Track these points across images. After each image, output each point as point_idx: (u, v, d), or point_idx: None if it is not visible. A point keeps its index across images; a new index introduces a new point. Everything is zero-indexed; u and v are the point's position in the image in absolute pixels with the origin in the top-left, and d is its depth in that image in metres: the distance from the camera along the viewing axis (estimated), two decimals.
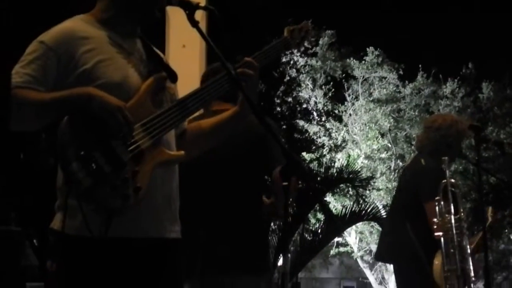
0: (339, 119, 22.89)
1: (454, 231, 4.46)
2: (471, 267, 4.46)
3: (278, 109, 22.37)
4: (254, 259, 3.65)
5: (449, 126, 4.95)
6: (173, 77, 2.73)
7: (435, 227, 4.49)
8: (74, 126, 2.39)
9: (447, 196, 4.54)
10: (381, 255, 5.26)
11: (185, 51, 7.19)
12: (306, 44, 3.22)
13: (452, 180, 4.61)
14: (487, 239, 4.44)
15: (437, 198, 4.56)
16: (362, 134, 22.31)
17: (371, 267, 22.69)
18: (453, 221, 4.48)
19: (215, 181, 3.67)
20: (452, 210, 4.53)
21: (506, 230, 22.38)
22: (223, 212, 3.64)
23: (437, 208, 4.54)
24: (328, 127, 22.62)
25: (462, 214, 4.54)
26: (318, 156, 21.57)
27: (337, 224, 9.44)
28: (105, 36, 2.61)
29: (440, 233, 4.48)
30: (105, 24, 2.65)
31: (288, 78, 22.72)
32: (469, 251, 4.48)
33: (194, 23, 2.54)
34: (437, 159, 4.75)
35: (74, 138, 2.37)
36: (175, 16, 6.76)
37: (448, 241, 4.46)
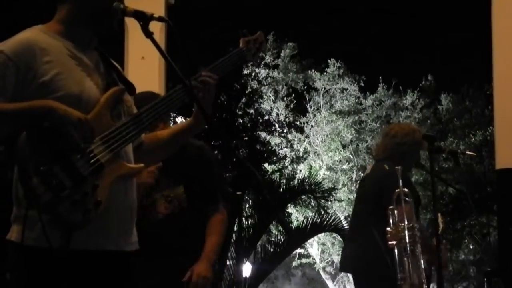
0: (300, 130, 23.01)
1: (407, 240, 4.49)
2: (424, 275, 4.49)
3: (240, 120, 22.38)
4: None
5: (405, 134, 4.95)
6: (131, 89, 2.72)
7: (388, 236, 4.51)
8: (34, 141, 2.36)
9: (400, 204, 4.57)
10: (344, 266, 5.26)
11: (144, 63, 7.15)
12: (261, 55, 3.22)
13: (405, 189, 4.63)
14: (440, 249, 4.45)
15: (390, 207, 4.59)
16: (323, 146, 22.46)
17: (333, 278, 22.77)
18: (406, 229, 4.51)
19: None
20: (406, 219, 4.56)
21: (466, 241, 22.62)
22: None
23: (390, 217, 4.56)
24: (290, 138, 22.71)
25: (416, 223, 4.56)
26: (280, 167, 21.64)
27: (294, 237, 9.45)
28: (63, 47, 2.58)
29: (394, 242, 4.50)
30: (63, 36, 2.61)
31: (250, 90, 22.76)
32: (422, 260, 4.50)
33: (149, 34, 2.52)
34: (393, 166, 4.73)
35: (34, 153, 2.34)
36: (134, 27, 6.72)
37: (401, 249, 4.49)
